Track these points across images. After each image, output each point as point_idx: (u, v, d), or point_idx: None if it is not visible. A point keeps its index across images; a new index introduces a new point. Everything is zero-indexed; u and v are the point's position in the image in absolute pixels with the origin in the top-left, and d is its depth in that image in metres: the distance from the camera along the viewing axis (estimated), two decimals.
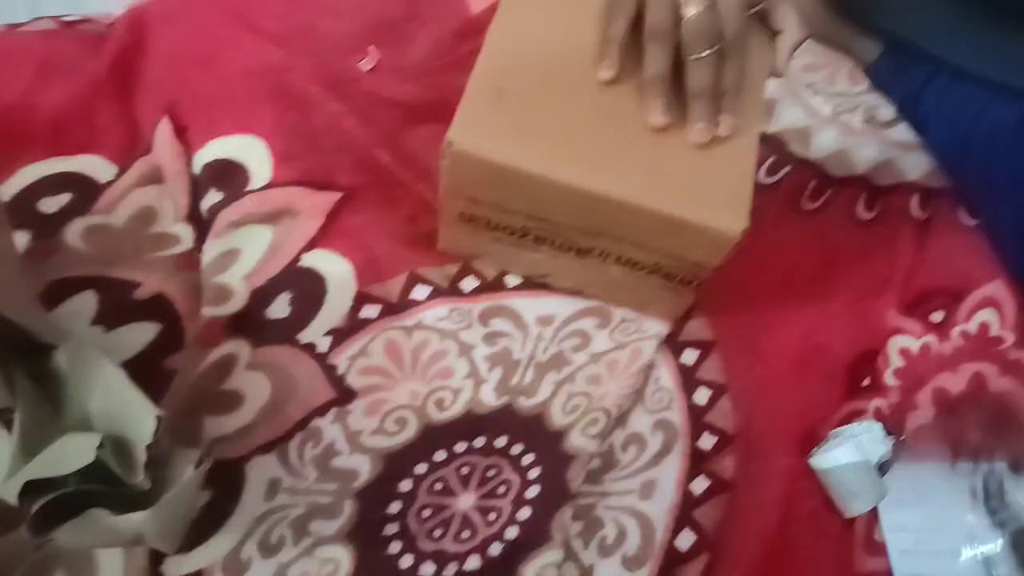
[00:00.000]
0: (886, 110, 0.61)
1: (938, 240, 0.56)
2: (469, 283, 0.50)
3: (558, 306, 0.50)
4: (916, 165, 0.59)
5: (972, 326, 0.53)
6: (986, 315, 0.54)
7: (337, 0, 0.59)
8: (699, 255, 0.43)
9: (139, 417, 0.36)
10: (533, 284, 0.51)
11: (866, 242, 0.56)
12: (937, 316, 0.53)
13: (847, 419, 0.49)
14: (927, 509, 0.48)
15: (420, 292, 0.49)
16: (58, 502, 0.33)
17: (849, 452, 0.44)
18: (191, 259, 0.49)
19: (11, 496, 0.32)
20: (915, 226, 0.57)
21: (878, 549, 0.47)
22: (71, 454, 0.34)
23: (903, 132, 0.60)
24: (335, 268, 0.49)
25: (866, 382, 0.51)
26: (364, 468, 0.44)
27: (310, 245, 0.49)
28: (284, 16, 0.57)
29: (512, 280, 0.51)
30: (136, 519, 0.34)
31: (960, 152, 0.56)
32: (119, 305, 0.46)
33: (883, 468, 0.45)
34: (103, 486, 0.34)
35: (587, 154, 0.42)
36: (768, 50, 0.46)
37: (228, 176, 0.50)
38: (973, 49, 0.54)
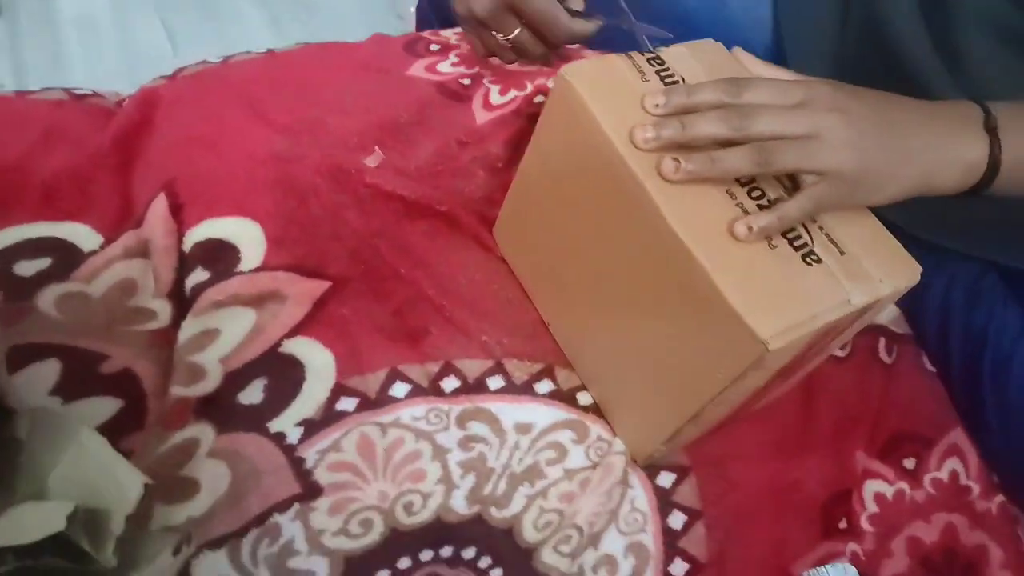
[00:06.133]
0: None
1: (904, 384, 0.57)
2: (450, 383, 0.50)
3: (538, 414, 0.49)
4: (886, 311, 0.61)
5: (943, 474, 0.53)
6: (954, 463, 0.54)
7: (348, 100, 0.61)
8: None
9: (123, 485, 0.34)
10: (515, 388, 0.50)
11: (840, 379, 0.57)
12: (909, 463, 0.54)
13: (823, 560, 0.48)
14: None
15: (399, 389, 0.48)
16: None
17: None
18: (166, 336, 0.47)
19: None
20: (883, 368, 0.58)
21: None
22: (30, 524, 0.31)
23: None
24: (316, 357, 0.48)
25: (843, 524, 0.50)
26: (322, 571, 0.41)
27: (293, 332, 0.48)
28: (294, 110, 0.59)
29: (494, 383, 0.50)
30: None
31: (918, 303, 0.59)
32: (83, 377, 0.44)
33: None
34: (61, 560, 0.31)
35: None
36: None
37: (218, 256, 0.50)
38: (929, 221, 0.57)
